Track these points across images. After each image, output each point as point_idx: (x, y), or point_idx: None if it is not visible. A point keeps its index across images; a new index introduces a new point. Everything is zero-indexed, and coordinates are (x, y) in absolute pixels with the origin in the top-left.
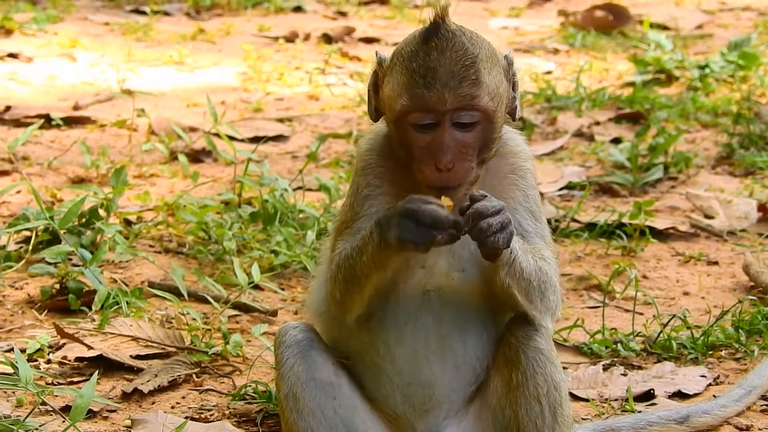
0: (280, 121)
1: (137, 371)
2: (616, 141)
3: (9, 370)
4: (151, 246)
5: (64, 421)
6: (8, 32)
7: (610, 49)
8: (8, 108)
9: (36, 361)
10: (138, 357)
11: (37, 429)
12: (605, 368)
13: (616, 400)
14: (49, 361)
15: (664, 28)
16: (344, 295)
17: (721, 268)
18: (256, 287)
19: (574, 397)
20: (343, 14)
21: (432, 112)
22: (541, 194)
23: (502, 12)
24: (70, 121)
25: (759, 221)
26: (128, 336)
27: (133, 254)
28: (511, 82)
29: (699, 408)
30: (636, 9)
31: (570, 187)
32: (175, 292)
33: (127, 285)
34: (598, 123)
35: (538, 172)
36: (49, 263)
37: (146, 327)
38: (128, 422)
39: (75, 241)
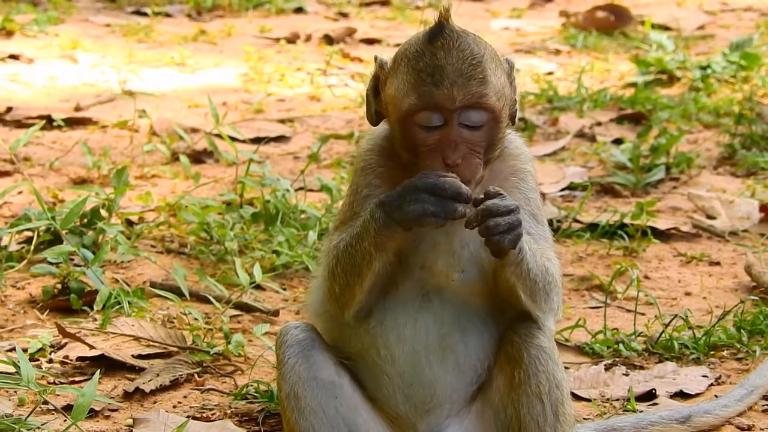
0: (282, 122)
1: (139, 371)
2: (618, 141)
3: (11, 369)
4: (152, 246)
5: (65, 420)
6: (9, 34)
7: (612, 49)
8: (10, 109)
9: (38, 360)
10: (140, 356)
11: (38, 428)
12: (607, 368)
13: (617, 399)
14: (50, 361)
15: (666, 28)
16: (344, 288)
17: (723, 268)
18: (258, 287)
19: (576, 397)
20: (344, 15)
21: (440, 110)
22: (543, 195)
23: (503, 13)
24: (72, 122)
25: (761, 222)
26: (130, 336)
27: (135, 254)
28: (512, 85)
29: (701, 408)
30: (637, 10)
31: (572, 187)
32: (177, 292)
33: (128, 285)
34: (599, 123)
35: (539, 173)
36: (51, 263)
37: (148, 327)
38: (130, 421)
39: (77, 242)
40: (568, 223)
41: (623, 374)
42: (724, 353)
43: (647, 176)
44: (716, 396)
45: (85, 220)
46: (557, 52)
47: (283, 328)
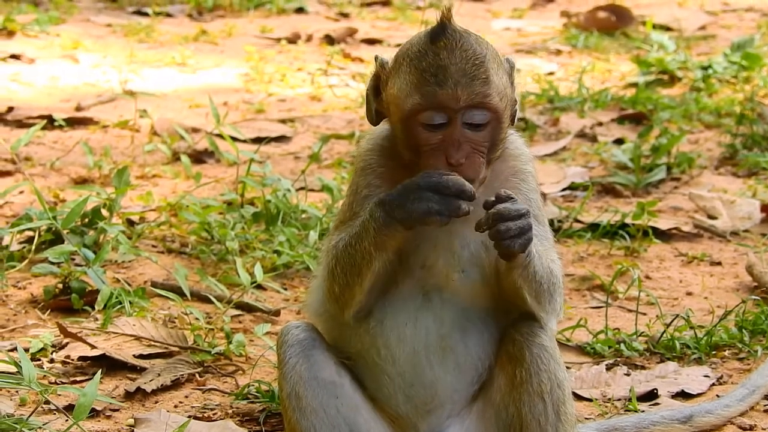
0: (283, 122)
1: (140, 370)
2: (619, 141)
3: (12, 369)
4: (153, 246)
5: (67, 420)
6: (10, 33)
7: (613, 50)
8: (11, 109)
9: (39, 360)
10: (141, 356)
11: (40, 428)
12: (608, 368)
13: (619, 399)
14: (52, 361)
15: (667, 29)
16: (343, 288)
17: (725, 268)
18: (259, 287)
19: (578, 397)
20: (345, 15)
21: (444, 110)
22: (544, 195)
23: (504, 13)
24: (73, 122)
25: (762, 222)
26: (131, 335)
27: (136, 254)
28: (512, 85)
29: (702, 408)
30: (639, 10)
31: (573, 187)
32: (178, 291)
33: (130, 285)
34: (600, 124)
35: (540, 173)
36: (52, 263)
37: (149, 326)
38: (131, 421)
39: (78, 241)
40: (569, 223)
41: (625, 374)
42: (726, 353)
43: (648, 176)
44: (718, 396)
45: (86, 220)
46: (558, 52)
47: (284, 327)
